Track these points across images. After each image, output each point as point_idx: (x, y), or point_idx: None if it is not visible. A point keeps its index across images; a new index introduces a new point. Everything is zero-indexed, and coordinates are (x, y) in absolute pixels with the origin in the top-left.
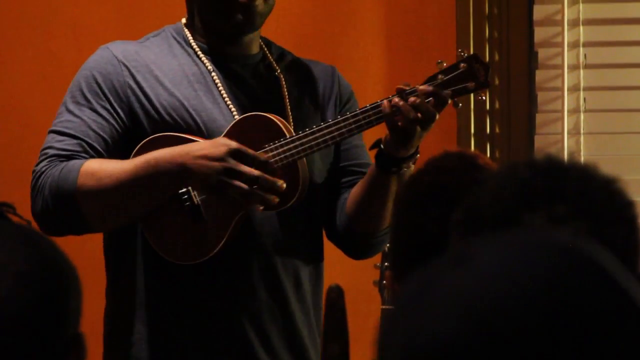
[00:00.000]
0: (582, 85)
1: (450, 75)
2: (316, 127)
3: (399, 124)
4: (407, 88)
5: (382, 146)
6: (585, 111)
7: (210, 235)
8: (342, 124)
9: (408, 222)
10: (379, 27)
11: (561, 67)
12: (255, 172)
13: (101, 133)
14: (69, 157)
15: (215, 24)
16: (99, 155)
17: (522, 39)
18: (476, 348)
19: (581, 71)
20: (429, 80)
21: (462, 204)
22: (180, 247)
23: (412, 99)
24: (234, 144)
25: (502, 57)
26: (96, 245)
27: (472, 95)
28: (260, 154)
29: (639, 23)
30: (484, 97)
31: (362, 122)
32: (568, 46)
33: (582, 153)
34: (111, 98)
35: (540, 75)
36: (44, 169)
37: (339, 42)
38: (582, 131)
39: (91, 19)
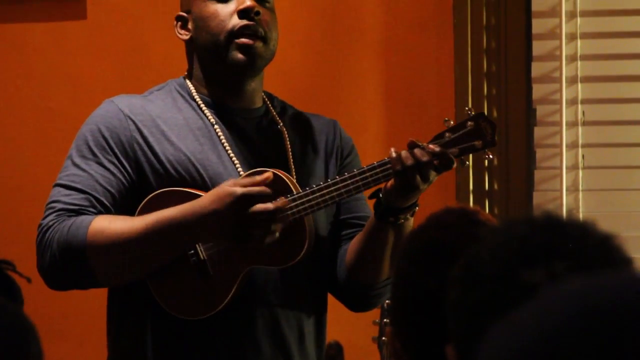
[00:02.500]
0: (580, 142)
1: (458, 134)
2: (323, 184)
3: (402, 172)
4: (418, 143)
5: (380, 196)
6: (584, 168)
7: (217, 290)
8: (349, 181)
9: (408, 278)
10: (378, 83)
11: (560, 124)
12: (269, 207)
13: (108, 187)
14: (77, 212)
15: (215, 70)
16: (106, 209)
17: (521, 96)
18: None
19: (580, 128)
20: (437, 138)
21: (460, 261)
22: (186, 302)
23: (418, 151)
24: (238, 191)
25: (500, 113)
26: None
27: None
28: (262, 188)
29: (636, 80)
30: (491, 156)
31: (369, 179)
32: (566, 103)
33: (580, 210)
34: (118, 152)
35: (538, 132)
36: (51, 223)
37: (337, 97)
38: (580, 188)
39: (90, 74)
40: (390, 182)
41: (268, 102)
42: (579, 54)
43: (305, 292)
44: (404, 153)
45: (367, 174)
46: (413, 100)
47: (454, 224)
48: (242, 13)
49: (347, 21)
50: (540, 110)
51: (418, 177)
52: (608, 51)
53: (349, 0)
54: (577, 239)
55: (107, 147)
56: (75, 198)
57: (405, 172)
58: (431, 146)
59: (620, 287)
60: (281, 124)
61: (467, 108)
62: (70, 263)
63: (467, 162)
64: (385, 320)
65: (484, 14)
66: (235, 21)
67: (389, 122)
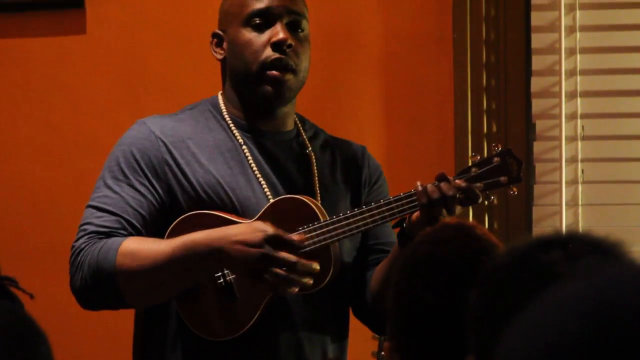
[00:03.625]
0: (580, 156)
1: (484, 169)
2: (350, 213)
3: (428, 205)
4: (446, 176)
5: (404, 225)
6: (583, 182)
7: (242, 312)
8: (375, 211)
9: (406, 293)
10: (378, 98)
11: (559, 138)
12: (293, 258)
13: (139, 209)
14: (107, 235)
15: (245, 96)
16: (136, 231)
17: (520, 111)
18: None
19: (579, 143)
20: (463, 172)
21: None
22: (212, 324)
23: (444, 185)
24: (270, 230)
25: (499, 128)
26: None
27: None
28: (296, 237)
29: (636, 95)
30: (515, 192)
31: (395, 210)
32: (566, 118)
33: (580, 224)
34: (149, 174)
35: (538, 146)
36: (83, 245)
37: (337, 112)
38: (580, 202)
39: (89, 88)
40: (415, 214)
41: (299, 125)
42: (578, 69)
43: (329, 317)
44: (429, 187)
45: (393, 205)
46: (412, 115)
47: (452, 238)
48: (275, 46)
49: (347, 36)
50: (540, 125)
51: (443, 211)
52: (607, 66)
53: (348, 15)
54: (593, 235)
55: (138, 168)
56: (107, 220)
57: (431, 205)
58: (457, 181)
59: (634, 282)
60: (310, 148)
61: (493, 144)
62: (100, 285)
63: (493, 197)
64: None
65: (484, 28)
66: (268, 53)
67: (389, 136)
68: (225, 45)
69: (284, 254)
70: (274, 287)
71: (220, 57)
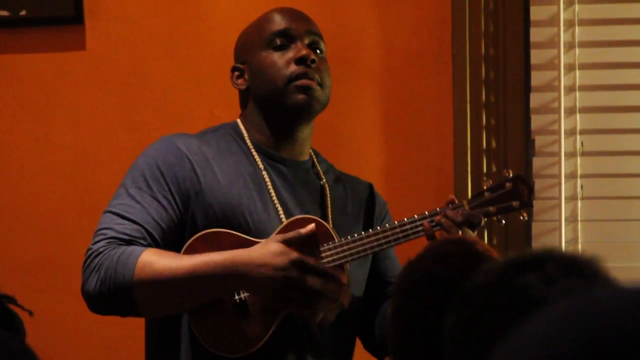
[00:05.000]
0: (579, 172)
1: (496, 194)
2: (364, 233)
3: (436, 234)
4: (456, 202)
5: None
6: (583, 198)
7: (254, 330)
8: (389, 232)
9: (406, 309)
10: (377, 114)
11: (558, 154)
12: (318, 284)
13: (160, 222)
14: (128, 242)
15: (271, 116)
16: (156, 243)
17: (519, 126)
18: None
19: (578, 158)
20: (477, 196)
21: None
22: (224, 339)
23: (452, 213)
24: (294, 255)
25: (499, 144)
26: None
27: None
28: (320, 264)
29: (635, 111)
30: (526, 217)
31: (409, 231)
32: (565, 134)
33: (579, 240)
34: (172, 189)
35: (537, 162)
36: (102, 249)
37: (336, 128)
38: (579, 218)
39: (89, 105)
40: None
41: (314, 158)
42: (577, 85)
43: (337, 340)
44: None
45: (407, 225)
46: (411, 130)
47: (452, 255)
48: (299, 60)
49: (346, 52)
50: (539, 141)
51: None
52: (606, 82)
53: (347, 30)
54: (569, 253)
55: (162, 182)
56: (128, 228)
57: (438, 228)
58: (459, 211)
59: (621, 308)
60: (324, 180)
61: (505, 170)
62: (115, 291)
63: (504, 221)
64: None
65: (483, 44)
66: (293, 68)
67: (388, 152)
68: (247, 75)
69: (310, 280)
70: (299, 311)
71: (243, 87)
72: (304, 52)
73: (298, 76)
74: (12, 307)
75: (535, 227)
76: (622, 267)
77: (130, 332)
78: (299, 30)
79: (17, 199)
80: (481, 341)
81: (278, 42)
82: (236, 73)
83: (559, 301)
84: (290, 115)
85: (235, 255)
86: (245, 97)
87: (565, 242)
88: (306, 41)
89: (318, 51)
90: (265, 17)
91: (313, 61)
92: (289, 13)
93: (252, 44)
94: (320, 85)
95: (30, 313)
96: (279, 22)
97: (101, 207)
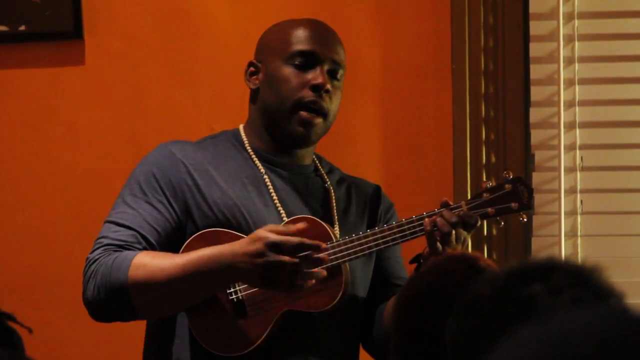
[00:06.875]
0: (579, 187)
1: (496, 195)
2: (362, 233)
3: (437, 237)
4: (451, 204)
5: (421, 261)
6: (583, 213)
7: (252, 330)
8: (387, 232)
9: (407, 323)
10: (376, 128)
11: (558, 169)
12: (294, 260)
13: (155, 226)
14: (122, 247)
15: (272, 129)
16: (151, 246)
17: (519, 141)
18: None
19: (578, 173)
20: (476, 197)
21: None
22: (222, 339)
23: (447, 214)
24: (272, 237)
25: (498, 159)
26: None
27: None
28: (294, 238)
29: (635, 126)
30: (525, 219)
31: (407, 232)
32: (565, 149)
33: (579, 255)
34: (167, 193)
35: (537, 177)
36: (97, 257)
37: (335, 142)
38: (579, 233)
39: (88, 120)
40: (427, 249)
41: (317, 162)
42: (577, 100)
43: (338, 341)
44: (438, 220)
45: (405, 227)
46: (411, 145)
47: (454, 270)
48: (314, 88)
49: (346, 66)
50: (539, 156)
51: (451, 240)
52: (606, 97)
53: (346, 45)
54: (574, 263)
55: (157, 187)
56: (122, 234)
57: (436, 229)
58: (455, 212)
59: (584, 334)
60: (328, 183)
61: (505, 172)
62: (113, 295)
63: (502, 223)
64: None
65: (482, 59)
66: (306, 93)
67: (387, 167)
68: (261, 76)
69: (285, 258)
70: (287, 290)
71: (253, 86)
72: (320, 80)
73: (307, 103)
74: (11, 324)
75: (535, 242)
76: (622, 283)
77: (130, 349)
78: (323, 55)
79: (16, 214)
80: (486, 351)
81: (299, 61)
82: (251, 69)
83: (565, 312)
84: (287, 140)
85: (223, 248)
86: (254, 97)
87: (565, 257)
88: (327, 67)
89: (336, 79)
90: (295, 29)
91: (327, 90)
92: (319, 33)
93: (273, 51)
94: (325, 115)
95: (30, 330)
96: (306, 42)
97: (100, 222)
